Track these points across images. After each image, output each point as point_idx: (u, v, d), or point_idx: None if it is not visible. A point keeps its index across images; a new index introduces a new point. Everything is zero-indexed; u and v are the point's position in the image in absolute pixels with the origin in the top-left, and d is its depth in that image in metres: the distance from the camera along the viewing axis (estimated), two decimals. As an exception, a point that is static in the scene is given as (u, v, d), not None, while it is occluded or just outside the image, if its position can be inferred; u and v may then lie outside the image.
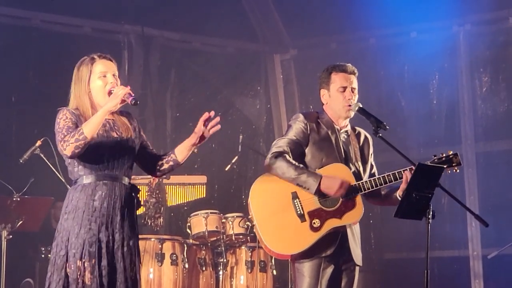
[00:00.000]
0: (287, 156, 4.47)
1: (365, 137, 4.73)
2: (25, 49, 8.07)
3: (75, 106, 4.09)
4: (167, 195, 7.43)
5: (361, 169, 4.61)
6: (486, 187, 8.05)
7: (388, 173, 4.45)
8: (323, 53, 8.94)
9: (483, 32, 8.18)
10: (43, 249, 7.25)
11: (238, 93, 9.35)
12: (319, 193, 4.43)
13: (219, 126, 4.24)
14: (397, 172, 4.43)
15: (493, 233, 6.99)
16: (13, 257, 6.86)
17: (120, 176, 4.08)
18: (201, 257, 7.01)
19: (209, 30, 8.94)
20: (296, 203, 4.46)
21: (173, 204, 7.62)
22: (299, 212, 4.45)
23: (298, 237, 4.42)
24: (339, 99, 4.56)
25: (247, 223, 6.91)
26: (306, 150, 4.55)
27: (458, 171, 4.50)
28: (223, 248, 6.99)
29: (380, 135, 4.37)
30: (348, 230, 4.50)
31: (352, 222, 4.50)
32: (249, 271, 7.03)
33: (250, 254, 7.05)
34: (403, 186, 4.37)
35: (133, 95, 4.01)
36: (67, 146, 3.88)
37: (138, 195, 4.22)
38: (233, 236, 7.01)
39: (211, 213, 7.05)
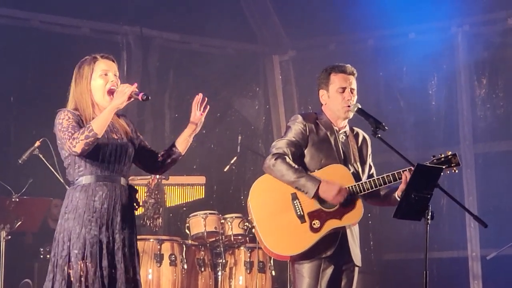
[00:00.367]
0: (287, 158, 4.47)
1: (364, 137, 4.73)
2: (24, 50, 8.07)
3: (74, 107, 4.09)
4: (166, 195, 7.43)
5: (360, 170, 4.61)
6: (484, 188, 8.05)
7: (388, 174, 4.45)
8: (322, 54, 8.95)
9: (482, 33, 8.19)
10: (41, 249, 7.25)
11: (237, 94, 9.35)
12: (317, 198, 4.43)
13: (208, 107, 4.23)
14: (396, 172, 4.43)
15: (492, 234, 6.99)
16: (11, 257, 6.86)
17: (120, 178, 4.09)
18: (200, 258, 7.01)
19: (208, 31, 8.95)
20: (296, 204, 4.46)
21: (172, 204, 7.62)
22: (299, 213, 4.45)
23: (298, 238, 4.41)
24: (338, 99, 4.57)
25: (246, 223, 6.91)
26: (305, 151, 4.55)
27: (457, 171, 4.50)
28: (222, 248, 6.99)
29: (379, 135, 4.37)
30: (348, 231, 4.50)
31: (352, 223, 4.50)
32: (248, 271, 7.04)
33: (249, 254, 7.05)
34: (402, 186, 4.36)
35: (141, 92, 4.04)
36: (77, 143, 3.88)
37: (136, 196, 4.22)
38: (232, 237, 7.01)
39: (210, 213, 7.05)
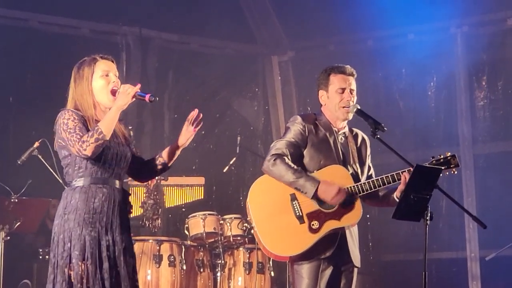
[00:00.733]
0: (286, 159, 4.48)
1: (363, 138, 4.73)
2: (23, 50, 8.06)
3: (74, 107, 4.09)
4: (165, 196, 7.43)
5: (359, 170, 4.62)
6: (483, 189, 8.05)
7: (387, 175, 4.45)
8: (321, 54, 8.95)
9: (481, 33, 8.19)
10: (40, 250, 7.24)
11: (236, 95, 9.35)
12: (316, 198, 4.43)
13: (201, 124, 4.24)
14: (395, 173, 4.43)
15: (490, 235, 6.97)
16: (10, 258, 6.85)
17: (117, 181, 4.09)
18: (199, 259, 7.00)
19: (207, 32, 8.95)
20: (294, 205, 4.46)
21: (171, 205, 7.63)
22: (297, 213, 4.45)
23: (297, 238, 4.42)
24: (338, 100, 4.57)
25: (245, 224, 6.91)
26: (304, 152, 4.56)
27: (456, 172, 4.50)
28: (221, 249, 6.98)
29: (378, 136, 4.38)
30: (347, 232, 4.51)
31: (351, 224, 4.50)
32: (247, 272, 7.03)
33: (248, 255, 7.05)
34: (401, 187, 4.37)
35: (147, 93, 4.05)
36: (87, 146, 3.88)
37: (130, 199, 4.23)
38: (231, 238, 7.01)
39: (209, 214, 7.05)
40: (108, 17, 8.53)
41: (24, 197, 6.75)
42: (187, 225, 7.12)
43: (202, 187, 7.68)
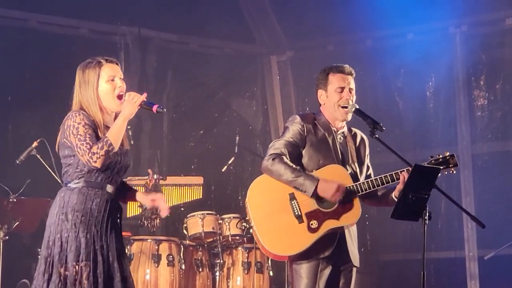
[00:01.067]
0: (285, 158, 4.48)
1: (361, 138, 4.74)
2: (22, 50, 8.06)
3: (80, 107, 4.08)
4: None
5: (357, 170, 4.62)
6: (482, 189, 8.05)
7: (385, 174, 4.45)
8: (320, 54, 8.94)
9: (480, 33, 8.19)
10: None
11: (234, 95, 9.35)
12: (316, 197, 4.44)
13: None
14: (394, 173, 4.43)
15: (489, 234, 6.98)
16: (9, 258, 6.85)
17: (114, 187, 4.10)
18: (197, 258, 7.01)
19: (206, 32, 8.95)
20: (293, 204, 4.46)
21: (169, 205, 7.59)
22: (296, 213, 4.45)
23: (296, 238, 4.42)
24: (337, 99, 4.57)
25: (243, 224, 6.91)
26: (303, 152, 4.56)
27: (454, 172, 4.50)
28: (219, 249, 6.99)
29: (377, 136, 4.38)
30: (346, 231, 4.51)
31: (350, 223, 4.50)
32: (246, 272, 7.03)
33: (246, 255, 7.05)
34: (400, 186, 4.36)
35: (153, 103, 4.09)
36: (98, 158, 3.91)
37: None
38: (230, 237, 7.01)
39: (207, 214, 7.05)
40: (107, 17, 8.53)
41: (22, 197, 6.76)
42: (185, 225, 7.12)
43: (201, 187, 7.68)
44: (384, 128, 4.38)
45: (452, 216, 8.07)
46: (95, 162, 3.91)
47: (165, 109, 4.11)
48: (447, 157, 4.49)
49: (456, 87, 8.27)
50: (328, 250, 4.45)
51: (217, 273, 7.00)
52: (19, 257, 7.44)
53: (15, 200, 6.69)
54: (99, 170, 4.00)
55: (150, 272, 6.76)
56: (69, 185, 4.06)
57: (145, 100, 4.06)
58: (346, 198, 4.44)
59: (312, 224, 4.43)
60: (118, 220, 4.13)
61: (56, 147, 4.14)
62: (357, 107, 4.54)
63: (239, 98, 9.37)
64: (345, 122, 4.66)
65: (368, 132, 4.42)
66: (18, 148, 6.89)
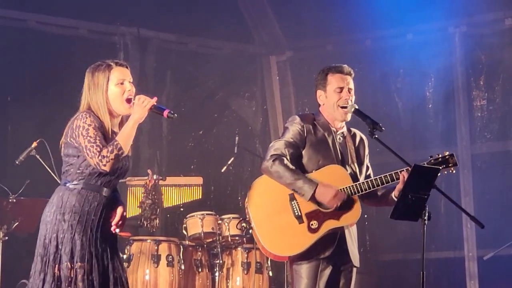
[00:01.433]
0: (285, 160, 4.48)
1: (361, 138, 4.74)
2: (21, 51, 8.06)
3: (88, 108, 4.08)
4: (163, 196, 7.43)
5: (357, 170, 4.62)
6: (481, 189, 8.06)
7: (385, 174, 4.45)
8: (319, 55, 8.94)
9: (479, 33, 8.19)
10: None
11: (234, 95, 9.35)
12: (314, 200, 4.43)
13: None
14: (394, 173, 4.43)
15: (488, 234, 6.99)
16: (9, 258, 6.85)
17: (111, 190, 4.10)
18: (197, 259, 7.01)
19: (205, 32, 8.95)
20: (293, 205, 4.46)
21: (169, 205, 7.62)
22: (296, 213, 4.45)
23: (296, 238, 4.42)
24: (336, 99, 4.57)
25: (243, 224, 6.90)
26: (303, 152, 4.56)
27: (454, 171, 4.50)
28: (219, 249, 6.98)
29: (376, 136, 4.38)
30: (346, 232, 4.51)
31: (349, 223, 4.50)
32: (245, 272, 7.03)
33: (246, 255, 7.05)
34: (399, 186, 4.36)
35: (164, 107, 4.07)
36: (107, 162, 3.92)
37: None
38: (229, 237, 7.01)
39: (207, 214, 7.04)
40: (106, 17, 8.53)
41: (22, 197, 6.75)
42: (185, 225, 7.12)
43: (200, 187, 7.67)
44: (383, 128, 4.38)
45: (451, 216, 8.07)
46: (105, 165, 3.92)
47: (176, 115, 4.08)
48: (447, 157, 4.49)
49: (456, 87, 8.27)
50: (328, 250, 4.45)
51: (217, 274, 7.00)
52: (19, 257, 7.43)
53: (14, 200, 6.68)
54: (101, 173, 4.00)
55: (149, 272, 6.75)
56: (67, 185, 4.06)
57: (156, 104, 4.05)
58: (346, 199, 4.44)
59: (312, 224, 4.43)
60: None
61: (61, 145, 4.12)
62: (356, 107, 4.54)
63: (239, 98, 9.37)
64: (344, 122, 4.65)
65: (368, 132, 4.42)
66: (17, 148, 6.89)
